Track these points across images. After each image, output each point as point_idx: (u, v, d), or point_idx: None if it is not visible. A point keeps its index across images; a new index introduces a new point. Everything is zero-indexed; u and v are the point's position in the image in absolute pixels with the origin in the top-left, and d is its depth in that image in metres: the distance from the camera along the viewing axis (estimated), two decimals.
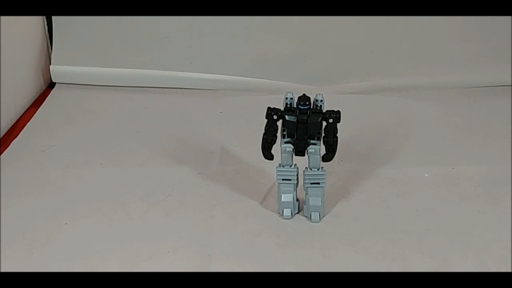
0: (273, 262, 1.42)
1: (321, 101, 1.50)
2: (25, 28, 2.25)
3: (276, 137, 1.51)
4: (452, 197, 1.66)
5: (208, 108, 2.19)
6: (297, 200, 1.58)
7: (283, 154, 1.53)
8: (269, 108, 1.51)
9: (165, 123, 2.08)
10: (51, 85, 2.38)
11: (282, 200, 1.56)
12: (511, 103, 2.17)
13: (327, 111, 1.49)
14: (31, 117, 2.12)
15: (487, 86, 2.30)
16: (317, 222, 1.55)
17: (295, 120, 1.49)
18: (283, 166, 1.54)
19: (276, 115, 1.50)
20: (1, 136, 2.00)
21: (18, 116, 2.13)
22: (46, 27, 2.37)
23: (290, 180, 1.55)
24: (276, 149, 1.53)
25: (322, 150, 1.51)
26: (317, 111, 1.49)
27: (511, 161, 1.80)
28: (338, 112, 1.49)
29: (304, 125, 1.49)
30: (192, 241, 1.49)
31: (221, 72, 2.34)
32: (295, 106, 1.49)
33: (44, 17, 2.36)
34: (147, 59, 2.34)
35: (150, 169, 1.80)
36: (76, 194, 1.68)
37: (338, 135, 1.49)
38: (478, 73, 2.32)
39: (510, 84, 2.29)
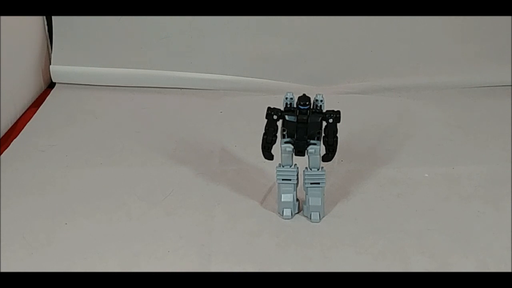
0: (273, 262, 1.42)
1: (321, 101, 1.50)
2: (25, 28, 2.25)
3: (276, 137, 1.51)
4: (452, 197, 1.66)
5: (208, 108, 2.19)
6: (297, 200, 1.58)
7: (283, 154, 1.53)
8: (269, 108, 1.51)
9: (165, 123, 2.08)
10: (51, 85, 2.38)
11: (282, 200, 1.56)
12: (511, 103, 2.17)
13: (327, 111, 1.49)
14: (31, 117, 2.12)
15: (487, 86, 2.31)
16: (317, 222, 1.55)
17: (295, 120, 1.49)
18: (283, 166, 1.54)
19: (276, 115, 1.50)
20: (1, 136, 2.00)
21: (18, 116, 2.13)
22: (46, 27, 2.37)
23: (290, 180, 1.55)
24: (276, 149, 1.53)
25: (322, 150, 1.51)
26: (317, 111, 1.49)
27: (511, 161, 1.80)
28: (338, 112, 1.49)
29: (304, 125, 1.49)
30: (192, 241, 1.49)
31: (221, 72, 2.34)
32: (295, 106, 1.49)
33: (44, 17, 2.36)
34: (147, 59, 2.35)
35: (150, 169, 1.80)
36: (76, 194, 1.68)
37: (338, 135, 1.49)
38: (478, 73, 2.32)
39: (510, 84, 2.29)
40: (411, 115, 2.13)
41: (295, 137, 1.50)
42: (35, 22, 2.33)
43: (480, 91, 2.29)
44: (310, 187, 1.54)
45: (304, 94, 1.49)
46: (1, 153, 1.89)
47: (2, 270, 1.39)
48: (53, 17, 2.34)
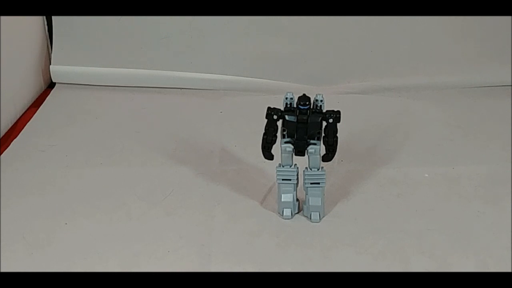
0: (273, 262, 1.42)
1: (321, 101, 1.50)
2: (25, 28, 2.25)
3: (276, 137, 1.51)
4: (452, 197, 1.66)
5: (208, 108, 2.19)
6: (297, 200, 1.58)
7: (283, 154, 1.53)
8: (269, 108, 1.51)
9: (165, 123, 2.08)
10: (51, 85, 2.38)
11: (282, 200, 1.56)
12: (511, 103, 2.17)
13: (327, 111, 1.49)
14: (31, 117, 2.12)
15: (487, 86, 2.31)
16: (317, 222, 1.55)
17: (295, 120, 1.49)
18: (283, 166, 1.54)
19: (276, 115, 1.50)
20: (1, 136, 2.00)
21: (18, 116, 2.13)
22: (46, 27, 2.37)
23: (290, 180, 1.55)
24: (276, 149, 1.53)
25: (322, 150, 1.51)
26: (317, 111, 1.49)
27: (511, 161, 1.80)
28: (338, 112, 1.49)
29: (304, 125, 1.49)
30: (192, 241, 1.49)
31: (221, 72, 2.34)
32: (295, 106, 1.49)
33: (44, 17, 2.36)
34: (147, 59, 2.35)
35: (150, 169, 1.80)
36: (76, 194, 1.68)
37: (338, 135, 1.49)
38: (478, 73, 2.32)
39: (510, 84, 2.29)
40: (411, 115, 2.13)
41: (295, 137, 1.50)
42: (35, 22, 2.33)
43: (480, 91, 2.29)
44: (310, 187, 1.54)
45: (304, 94, 1.49)
46: (1, 153, 1.89)
47: (2, 270, 1.39)
48: (53, 17, 2.34)
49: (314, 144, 1.50)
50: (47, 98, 2.28)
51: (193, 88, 2.33)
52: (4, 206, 1.62)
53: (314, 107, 1.49)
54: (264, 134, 1.51)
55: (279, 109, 1.50)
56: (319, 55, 2.33)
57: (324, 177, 1.54)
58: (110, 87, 2.34)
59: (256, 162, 1.74)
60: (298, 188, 1.57)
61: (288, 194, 1.56)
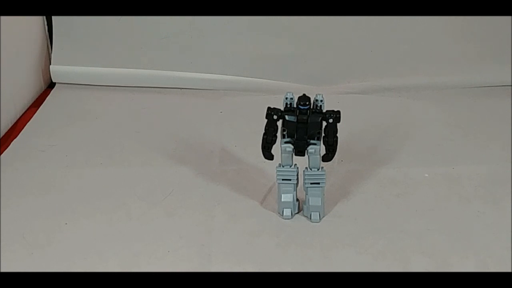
0: (273, 262, 1.42)
1: (321, 101, 1.50)
2: (25, 28, 2.25)
3: (276, 137, 1.51)
4: (452, 197, 1.66)
5: (208, 108, 2.20)
6: (297, 200, 1.58)
7: (283, 154, 1.53)
8: (269, 108, 1.51)
9: (165, 123, 2.08)
10: (51, 85, 2.38)
11: (282, 200, 1.56)
12: (511, 103, 2.17)
13: (327, 111, 1.49)
14: (31, 117, 2.12)
15: (487, 86, 2.31)
16: (317, 222, 1.55)
17: (295, 120, 1.49)
18: (283, 166, 1.54)
19: (276, 115, 1.50)
20: (1, 136, 2.00)
21: (18, 116, 2.13)
22: (46, 27, 2.38)
23: (290, 180, 1.55)
24: (276, 149, 1.53)
25: (322, 150, 1.51)
26: (317, 111, 1.49)
27: (511, 161, 1.80)
28: (338, 112, 1.49)
29: (304, 125, 1.49)
30: (192, 241, 1.49)
31: (221, 72, 2.34)
32: (295, 106, 1.49)
33: (44, 17, 2.36)
34: (147, 59, 2.35)
35: (150, 169, 1.80)
36: (76, 194, 1.68)
37: (338, 135, 1.49)
38: (478, 73, 2.32)
39: (510, 84, 2.29)
40: (411, 115, 2.13)
41: (295, 137, 1.50)
42: (35, 22, 2.33)
43: (480, 91, 2.29)
44: (310, 187, 1.54)
45: (304, 94, 1.49)
46: (1, 153, 1.89)
47: (2, 270, 1.39)
48: (53, 17, 2.34)
49: (314, 144, 1.50)
50: (47, 98, 2.28)
51: (193, 88, 2.33)
52: (4, 206, 1.62)
53: (314, 107, 1.49)
54: (264, 134, 1.51)
55: (279, 109, 1.50)
56: (319, 55, 2.34)
57: (324, 177, 1.54)
58: (110, 87, 2.34)
59: (256, 162, 1.74)
60: (298, 188, 1.57)
61: (288, 194, 1.56)
